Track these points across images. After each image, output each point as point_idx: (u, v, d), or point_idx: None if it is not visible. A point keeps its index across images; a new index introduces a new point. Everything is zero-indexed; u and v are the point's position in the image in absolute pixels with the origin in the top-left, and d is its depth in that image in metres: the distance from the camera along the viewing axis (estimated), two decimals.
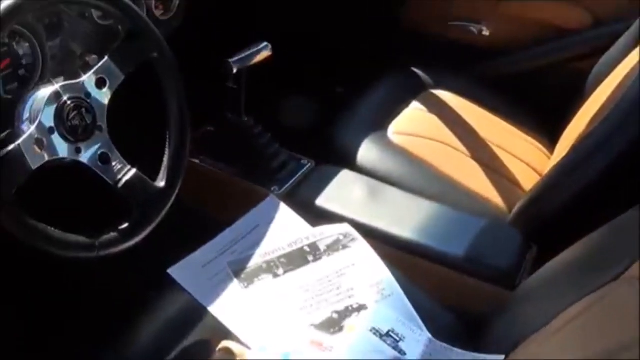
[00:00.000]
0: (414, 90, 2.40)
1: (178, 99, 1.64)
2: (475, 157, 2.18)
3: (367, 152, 2.11)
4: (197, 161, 2.22)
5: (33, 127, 1.42)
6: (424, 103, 2.35)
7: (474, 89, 2.48)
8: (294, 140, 2.25)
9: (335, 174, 2.03)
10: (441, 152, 2.18)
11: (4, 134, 1.46)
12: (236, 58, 2.03)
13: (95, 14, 1.85)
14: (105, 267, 1.62)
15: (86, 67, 1.63)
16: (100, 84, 1.53)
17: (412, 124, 2.26)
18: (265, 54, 2.08)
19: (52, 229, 1.42)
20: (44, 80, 1.76)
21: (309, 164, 2.19)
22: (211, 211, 2.14)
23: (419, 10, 2.72)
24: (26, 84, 1.73)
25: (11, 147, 1.38)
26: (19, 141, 1.39)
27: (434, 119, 2.28)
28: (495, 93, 2.49)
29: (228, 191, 2.15)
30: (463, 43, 2.65)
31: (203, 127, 2.33)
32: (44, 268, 1.65)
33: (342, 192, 1.98)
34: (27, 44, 1.80)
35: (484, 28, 2.60)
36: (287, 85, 2.87)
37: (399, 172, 2.08)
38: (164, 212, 1.58)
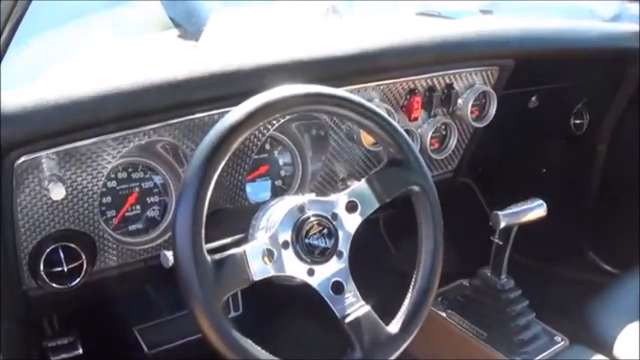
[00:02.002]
0: None
1: (434, 241, 1.48)
2: None
3: (628, 342, 1.84)
4: (443, 314, 2.11)
5: (266, 236, 1.32)
6: None
7: None
8: (550, 312, 2.08)
9: (589, 358, 1.81)
10: None
11: (234, 238, 1.37)
12: (507, 212, 1.89)
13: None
14: None
15: (342, 188, 1.52)
16: (350, 207, 1.41)
17: None
18: (539, 213, 1.93)
19: (257, 347, 1.27)
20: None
21: (563, 342, 2.01)
22: None
23: None
24: (277, 195, 1.67)
25: (236, 250, 1.27)
26: (246, 246, 1.29)
27: None
28: None
29: (466, 352, 2.00)
30: None
31: (457, 279, 2.22)
32: None
33: None
34: (288, 155, 1.78)
35: None
36: (556, 251, 2.74)
37: None
38: None
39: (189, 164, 1.29)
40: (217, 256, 1.24)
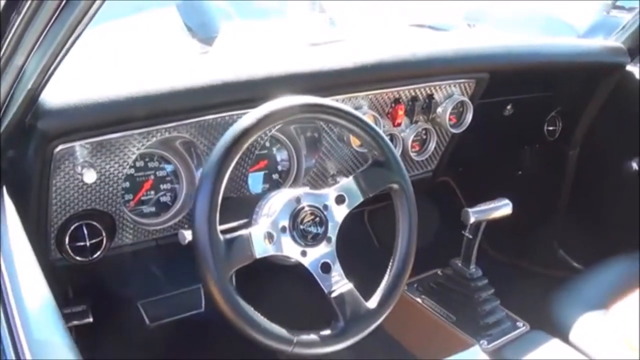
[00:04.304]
0: None
1: (409, 232, 1.71)
2: None
3: (584, 329, 2.02)
4: (418, 299, 2.29)
5: (268, 222, 1.54)
6: None
7: None
8: (515, 301, 2.26)
9: (547, 342, 1.98)
10: None
11: (240, 222, 1.59)
12: (476, 209, 2.09)
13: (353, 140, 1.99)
14: None
15: (332, 183, 1.74)
16: (339, 200, 1.63)
17: (637, 312, 2.10)
18: (505, 211, 2.13)
19: (258, 314, 1.49)
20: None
21: (524, 327, 2.19)
22: (409, 346, 2.20)
23: None
24: (275, 187, 1.87)
25: (243, 231, 1.50)
26: (251, 229, 1.51)
27: None
28: None
29: (437, 334, 2.18)
30: None
31: (432, 269, 2.40)
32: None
33: None
34: (285, 153, 2.00)
35: None
36: (528, 248, 2.93)
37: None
38: (367, 331, 1.62)
39: (207, 159, 1.51)
40: (228, 236, 1.47)
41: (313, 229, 1.57)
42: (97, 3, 1.12)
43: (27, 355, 0.98)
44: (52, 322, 1.07)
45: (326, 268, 1.59)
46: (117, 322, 2.18)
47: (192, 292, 2.25)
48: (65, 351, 1.01)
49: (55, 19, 1.15)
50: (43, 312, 1.09)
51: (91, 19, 1.17)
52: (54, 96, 1.52)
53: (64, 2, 1.11)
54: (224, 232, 1.47)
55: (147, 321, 2.22)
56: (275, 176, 2.02)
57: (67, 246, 1.68)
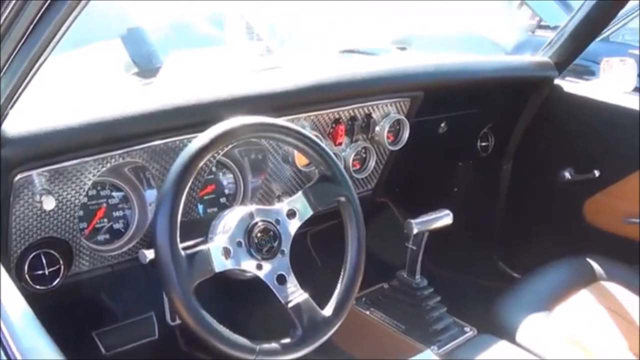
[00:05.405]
0: (585, 280, 2.40)
1: (358, 242, 1.78)
2: (637, 354, 2.12)
3: (530, 330, 2.11)
4: (366, 312, 2.35)
5: (224, 238, 1.61)
6: (593, 293, 2.34)
7: None
8: (460, 305, 2.34)
9: (496, 344, 2.06)
10: (604, 344, 2.14)
11: (197, 240, 1.65)
12: (418, 220, 2.17)
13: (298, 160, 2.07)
14: None
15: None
16: (290, 214, 1.71)
17: (578, 312, 2.25)
18: (446, 221, 2.21)
19: (221, 326, 1.54)
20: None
21: (471, 332, 2.27)
22: (361, 356, 2.25)
23: (597, 206, 2.78)
24: (223, 209, 1.93)
25: (202, 247, 1.56)
26: (209, 245, 1.58)
27: (600, 310, 2.26)
28: None
29: (388, 343, 2.24)
30: (637, 240, 2.64)
31: (378, 283, 2.47)
32: None
33: None
34: (231, 176, 2.08)
35: None
36: (468, 261, 3.01)
37: (557, 356, 2.05)
38: (324, 338, 1.68)
39: (165, 179, 1.56)
40: (189, 251, 1.53)
41: (267, 243, 1.64)
42: (62, 30, 1.18)
43: (17, 356, 1.02)
44: (34, 329, 1.11)
45: (281, 280, 1.65)
46: (74, 353, 2.17)
47: (146, 320, 2.29)
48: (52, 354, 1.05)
49: (22, 45, 1.21)
50: (25, 321, 1.13)
51: (56, 44, 1.23)
52: (13, 124, 1.56)
53: (30, 29, 1.17)
54: (183, 248, 1.53)
55: (102, 350, 2.24)
56: (222, 200, 2.08)
57: (27, 275, 1.71)
